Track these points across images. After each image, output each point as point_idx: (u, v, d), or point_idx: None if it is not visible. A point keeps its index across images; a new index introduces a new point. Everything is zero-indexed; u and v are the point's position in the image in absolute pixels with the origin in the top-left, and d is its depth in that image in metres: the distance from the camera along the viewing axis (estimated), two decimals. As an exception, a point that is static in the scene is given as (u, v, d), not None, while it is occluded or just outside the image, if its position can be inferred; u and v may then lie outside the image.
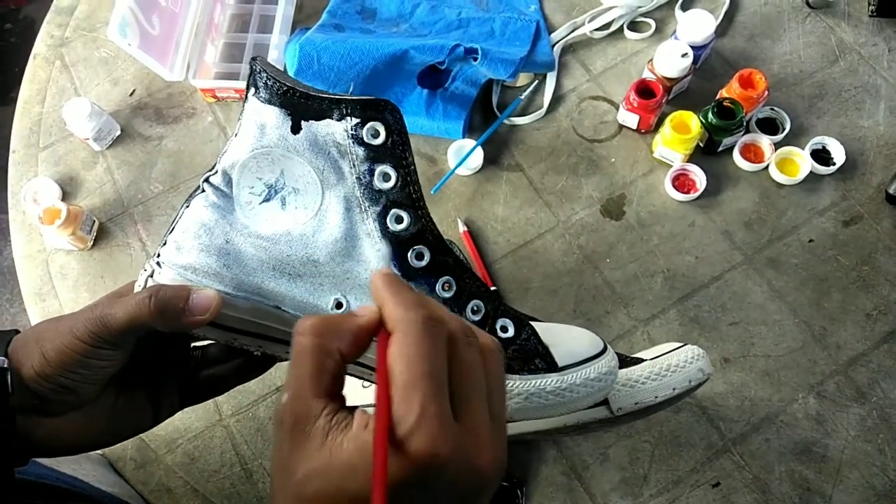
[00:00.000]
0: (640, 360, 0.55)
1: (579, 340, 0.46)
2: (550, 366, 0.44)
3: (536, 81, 0.81)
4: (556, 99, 0.80)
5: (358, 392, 0.58)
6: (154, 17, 0.77)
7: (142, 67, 0.84)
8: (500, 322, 0.44)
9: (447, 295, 0.43)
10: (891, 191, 0.71)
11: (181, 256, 0.41)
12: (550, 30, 0.84)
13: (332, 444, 0.29)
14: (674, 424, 0.64)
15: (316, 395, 0.30)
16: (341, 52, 0.73)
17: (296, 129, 0.40)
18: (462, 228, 0.73)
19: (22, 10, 2.02)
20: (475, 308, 0.44)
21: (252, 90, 0.41)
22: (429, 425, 0.28)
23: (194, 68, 0.80)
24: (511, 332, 0.44)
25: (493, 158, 0.77)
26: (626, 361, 0.56)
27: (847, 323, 0.67)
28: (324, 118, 0.40)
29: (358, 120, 0.40)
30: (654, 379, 0.53)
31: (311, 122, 0.40)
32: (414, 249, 0.42)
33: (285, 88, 0.40)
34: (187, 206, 0.42)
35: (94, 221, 0.76)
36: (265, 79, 0.41)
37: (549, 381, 0.43)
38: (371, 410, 0.30)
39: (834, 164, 0.73)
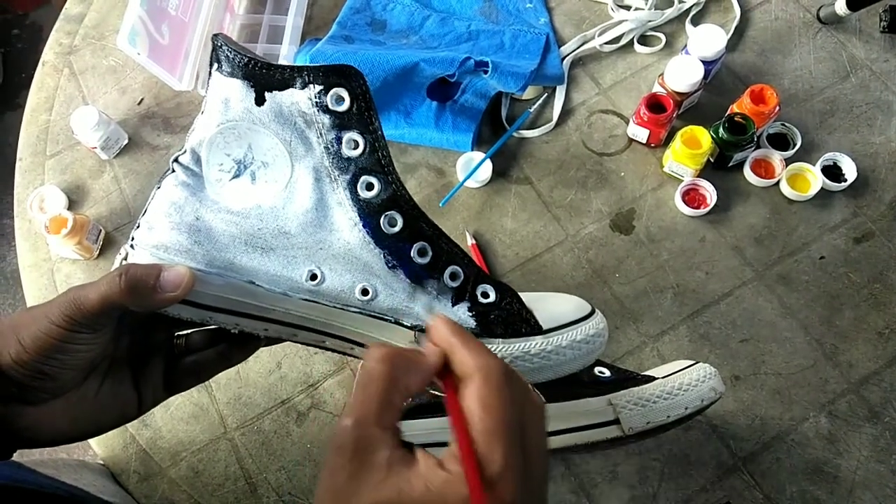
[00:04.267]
0: (652, 379, 0.55)
1: (565, 304, 0.45)
2: (535, 329, 0.43)
3: (546, 94, 0.81)
4: (566, 112, 0.80)
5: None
6: (163, 27, 0.77)
7: (150, 76, 0.84)
8: (480, 288, 0.43)
9: (423, 261, 0.42)
10: (903, 208, 0.71)
11: (152, 236, 0.41)
12: (560, 43, 0.84)
13: (398, 480, 0.29)
14: (684, 443, 0.63)
15: (382, 426, 0.31)
16: (351, 63, 0.73)
17: (260, 100, 0.40)
18: (470, 241, 0.73)
19: (29, 15, 2.03)
20: (453, 274, 0.43)
21: (215, 65, 0.41)
22: (513, 477, 0.29)
23: (203, 78, 0.80)
24: (493, 298, 0.43)
25: (501, 171, 0.77)
26: (637, 380, 0.55)
27: (859, 341, 0.67)
28: (287, 88, 0.40)
29: (321, 87, 0.40)
30: (666, 398, 0.53)
31: (274, 92, 0.40)
32: (386, 216, 0.41)
33: (246, 60, 0.40)
34: (158, 188, 0.42)
35: (101, 231, 0.76)
36: (226, 52, 0.40)
37: (534, 343, 0.42)
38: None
39: (845, 180, 0.72)
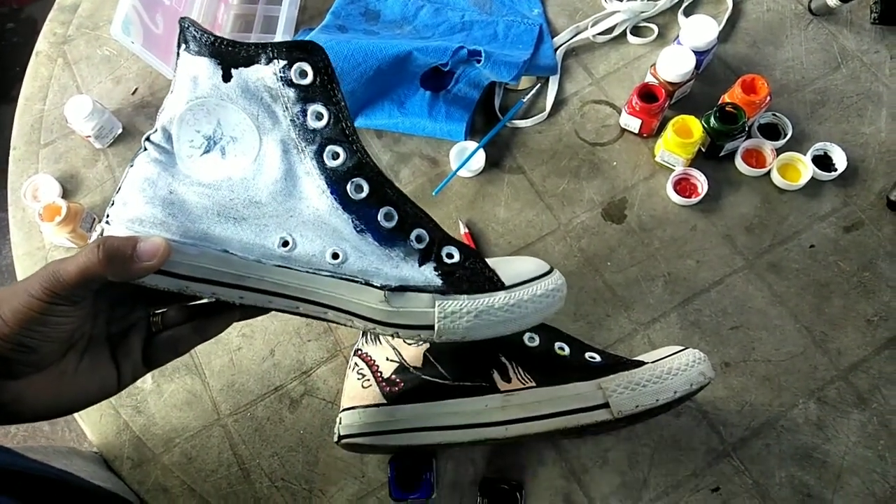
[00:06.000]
0: (642, 363, 0.55)
1: (525, 263, 0.48)
2: (498, 285, 0.45)
3: (539, 85, 0.81)
4: (559, 102, 0.80)
5: (357, 392, 0.58)
6: (157, 16, 0.77)
7: (144, 66, 0.84)
8: (445, 249, 0.45)
9: (389, 225, 0.44)
10: (892, 197, 0.71)
11: (127, 211, 0.42)
12: (553, 33, 0.84)
13: None
14: (674, 428, 0.64)
15: None
16: (345, 52, 0.73)
17: (226, 77, 0.42)
18: (463, 230, 0.73)
19: (24, 9, 2.02)
20: (419, 237, 0.45)
21: (182, 46, 0.42)
22: None
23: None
24: (457, 258, 0.45)
25: (494, 161, 0.77)
26: (626, 364, 0.56)
27: (848, 329, 0.67)
28: (252, 64, 0.42)
29: (285, 62, 0.41)
30: (656, 382, 0.53)
31: (240, 69, 0.42)
32: (352, 182, 0.43)
33: (213, 39, 0.41)
34: (131, 166, 0.43)
35: (95, 219, 0.76)
36: (193, 32, 0.42)
37: (498, 298, 0.44)
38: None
39: (835, 170, 0.73)
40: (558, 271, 0.48)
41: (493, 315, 0.44)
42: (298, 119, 0.42)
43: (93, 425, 0.67)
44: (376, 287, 0.43)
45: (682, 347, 0.57)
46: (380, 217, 0.43)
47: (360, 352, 0.61)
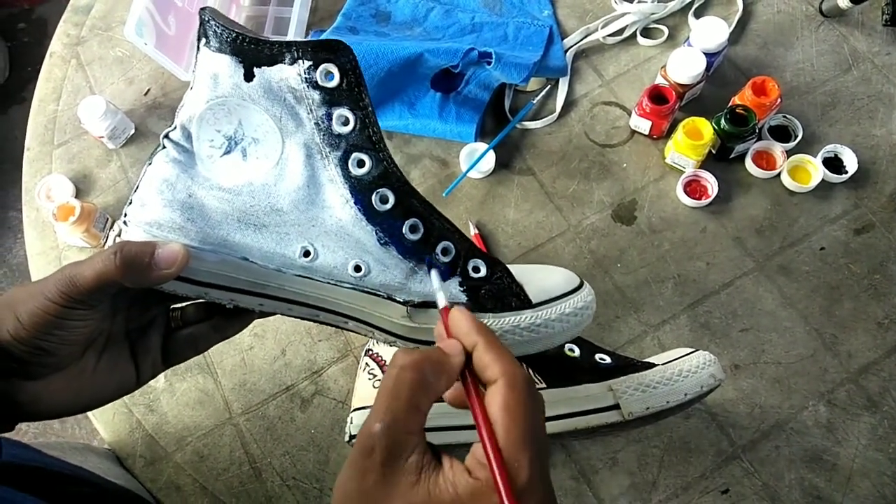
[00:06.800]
0: (652, 365, 0.56)
1: (554, 277, 0.45)
2: (524, 303, 0.43)
3: (549, 86, 0.81)
4: (569, 104, 0.81)
5: (368, 392, 0.58)
6: (170, 18, 0.78)
7: (157, 67, 0.85)
8: (471, 263, 0.43)
9: (415, 237, 0.42)
10: (903, 200, 0.71)
11: (146, 213, 0.41)
12: (563, 35, 0.84)
13: (428, 484, 0.30)
14: (683, 430, 0.64)
15: (411, 431, 0.31)
16: (356, 54, 0.73)
17: (248, 76, 0.40)
18: (473, 231, 0.73)
19: (35, 10, 2.04)
20: (445, 250, 0.43)
21: (203, 41, 0.41)
22: (537, 487, 0.30)
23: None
24: (483, 273, 0.43)
25: (504, 162, 0.77)
26: (637, 366, 0.56)
27: (858, 331, 0.67)
28: (276, 63, 0.39)
29: (310, 62, 0.39)
30: (666, 384, 0.53)
31: (263, 68, 0.40)
32: (377, 193, 0.41)
33: (234, 35, 0.39)
34: (150, 164, 0.42)
35: (108, 219, 0.77)
36: (214, 27, 0.40)
37: (524, 317, 0.43)
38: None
39: (846, 172, 0.73)
40: (588, 286, 0.46)
41: (518, 335, 0.42)
42: (323, 123, 0.40)
43: (106, 423, 0.68)
44: (399, 302, 0.42)
45: (692, 349, 0.57)
46: (405, 229, 0.42)
47: (370, 352, 0.61)
